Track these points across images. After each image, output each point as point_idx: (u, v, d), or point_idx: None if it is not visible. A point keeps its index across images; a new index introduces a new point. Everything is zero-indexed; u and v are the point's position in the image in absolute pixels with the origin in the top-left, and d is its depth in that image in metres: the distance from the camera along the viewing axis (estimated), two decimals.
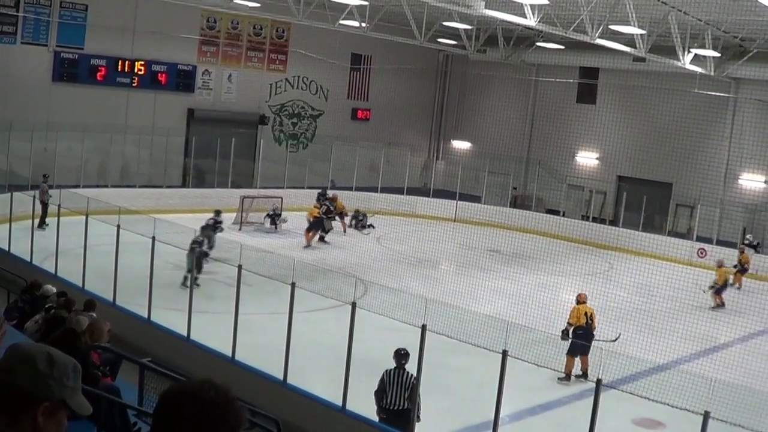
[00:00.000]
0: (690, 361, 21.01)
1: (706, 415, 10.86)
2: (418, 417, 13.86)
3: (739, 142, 38.52)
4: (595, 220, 40.77)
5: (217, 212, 28.67)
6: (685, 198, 39.11)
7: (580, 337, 18.38)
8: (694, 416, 11.07)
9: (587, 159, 44.09)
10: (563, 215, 41.12)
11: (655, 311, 25.96)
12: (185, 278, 22.39)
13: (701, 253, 35.43)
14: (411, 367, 13.70)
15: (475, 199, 42.78)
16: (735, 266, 31.37)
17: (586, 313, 19.06)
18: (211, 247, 25.87)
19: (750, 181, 38.48)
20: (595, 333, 19.02)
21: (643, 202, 37.88)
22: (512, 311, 21.92)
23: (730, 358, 21.14)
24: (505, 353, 12.52)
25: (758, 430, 11.04)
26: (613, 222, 39.95)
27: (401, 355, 13.82)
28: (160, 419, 2.72)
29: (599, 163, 43.56)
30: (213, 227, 27.53)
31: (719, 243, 35.81)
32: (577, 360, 18.57)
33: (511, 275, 29.26)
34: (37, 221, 26.43)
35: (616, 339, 19.91)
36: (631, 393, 13.13)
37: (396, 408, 13.71)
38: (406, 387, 13.60)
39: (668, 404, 11.90)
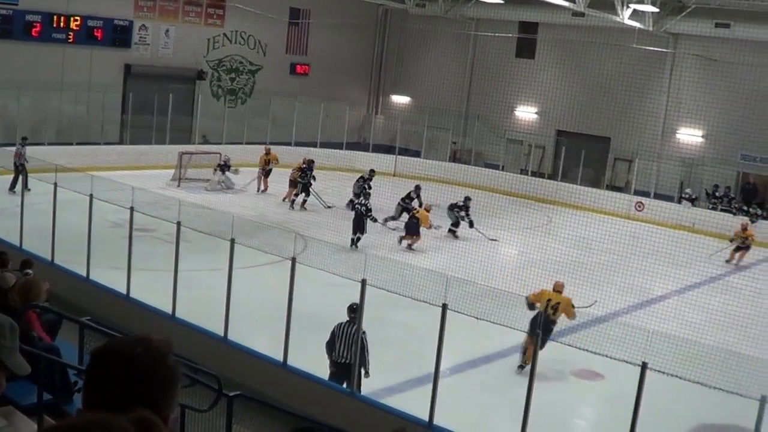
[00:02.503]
0: (628, 313, 21.28)
1: (644, 366, 11.02)
2: (367, 373, 13.89)
3: (676, 96, 38.81)
4: (534, 174, 40.99)
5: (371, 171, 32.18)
6: (623, 152, 39.41)
7: (535, 323, 15.87)
8: (633, 367, 11.23)
9: (526, 113, 44.22)
10: (502, 169, 41.19)
11: (594, 264, 26.19)
12: (352, 240, 24.78)
13: (639, 207, 35.82)
14: None
15: (415, 153, 42.84)
16: (732, 240, 29.84)
17: (549, 301, 16.69)
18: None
19: (687, 135, 38.85)
20: (553, 328, 16.52)
21: (581, 156, 38.17)
22: (452, 265, 22.00)
23: (667, 309, 21.48)
24: (444, 307, 12.58)
25: (695, 380, 11.21)
26: (552, 176, 40.18)
27: (352, 309, 13.88)
28: (90, 377, 2.68)
29: (538, 117, 43.71)
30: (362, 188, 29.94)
31: (657, 196, 36.24)
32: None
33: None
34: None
35: (591, 305, 19.67)
36: (570, 345, 13.28)
37: (343, 361, 13.80)
38: (353, 341, 13.64)
39: (607, 356, 12.06)
